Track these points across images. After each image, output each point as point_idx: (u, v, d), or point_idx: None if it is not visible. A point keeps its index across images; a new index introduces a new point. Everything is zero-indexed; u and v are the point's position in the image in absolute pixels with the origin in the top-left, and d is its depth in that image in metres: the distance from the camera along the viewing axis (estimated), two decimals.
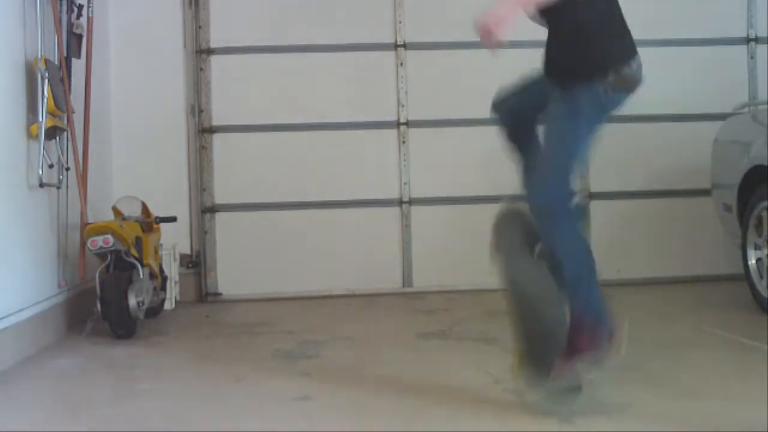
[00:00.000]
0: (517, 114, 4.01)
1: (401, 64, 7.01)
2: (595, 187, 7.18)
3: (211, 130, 6.95)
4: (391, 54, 7.01)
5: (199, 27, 6.93)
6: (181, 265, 6.78)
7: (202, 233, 6.93)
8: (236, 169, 6.96)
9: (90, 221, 5.47)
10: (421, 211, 7.04)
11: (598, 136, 3.84)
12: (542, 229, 3.70)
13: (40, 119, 4.99)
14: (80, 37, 5.68)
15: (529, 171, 3.92)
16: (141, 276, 5.36)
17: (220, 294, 6.93)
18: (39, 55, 5.06)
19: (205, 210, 6.94)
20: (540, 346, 3.50)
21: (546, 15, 3.86)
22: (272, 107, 6.99)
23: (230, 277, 6.94)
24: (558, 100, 3.72)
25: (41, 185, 5.06)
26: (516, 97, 4.11)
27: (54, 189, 5.31)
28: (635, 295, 6.56)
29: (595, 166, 7.17)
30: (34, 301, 4.95)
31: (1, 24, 4.72)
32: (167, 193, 6.71)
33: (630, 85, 3.81)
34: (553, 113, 3.75)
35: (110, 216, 5.86)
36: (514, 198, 4.03)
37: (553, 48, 3.88)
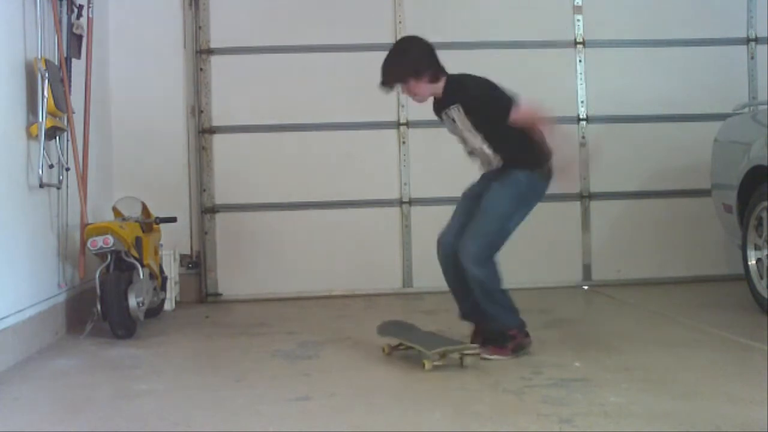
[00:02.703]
0: (450, 252, 4.63)
1: None
2: (595, 187, 7.19)
3: (211, 131, 6.95)
4: None
5: (199, 27, 6.94)
6: (181, 265, 6.79)
7: (202, 234, 6.94)
8: (236, 170, 6.97)
9: (90, 221, 5.48)
10: (421, 211, 7.05)
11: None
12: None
13: (40, 119, 4.99)
14: (80, 37, 5.68)
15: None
16: (141, 276, 5.36)
17: (220, 294, 6.94)
18: (39, 56, 5.07)
19: (205, 210, 6.94)
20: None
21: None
22: (272, 107, 6.99)
23: (230, 277, 6.94)
24: (496, 180, 4.55)
25: (41, 185, 5.06)
26: (449, 229, 4.76)
27: (54, 189, 5.31)
28: (635, 295, 6.56)
29: (595, 166, 7.19)
30: (34, 301, 4.95)
31: (1, 24, 4.72)
32: (167, 193, 6.71)
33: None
34: (490, 189, 4.55)
35: (110, 216, 5.87)
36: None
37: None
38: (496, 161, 4.60)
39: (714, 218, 6.33)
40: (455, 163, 7.02)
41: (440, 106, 4.66)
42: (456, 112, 4.57)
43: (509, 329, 4.52)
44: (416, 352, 4.44)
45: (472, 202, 4.67)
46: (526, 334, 4.58)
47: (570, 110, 7.17)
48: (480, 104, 4.52)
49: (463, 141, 4.68)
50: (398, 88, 4.65)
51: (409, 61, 4.54)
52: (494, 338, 4.53)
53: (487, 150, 4.59)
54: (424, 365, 4.30)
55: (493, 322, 4.56)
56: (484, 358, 4.41)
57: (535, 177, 4.53)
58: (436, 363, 4.30)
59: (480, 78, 4.63)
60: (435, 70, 4.55)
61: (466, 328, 4.79)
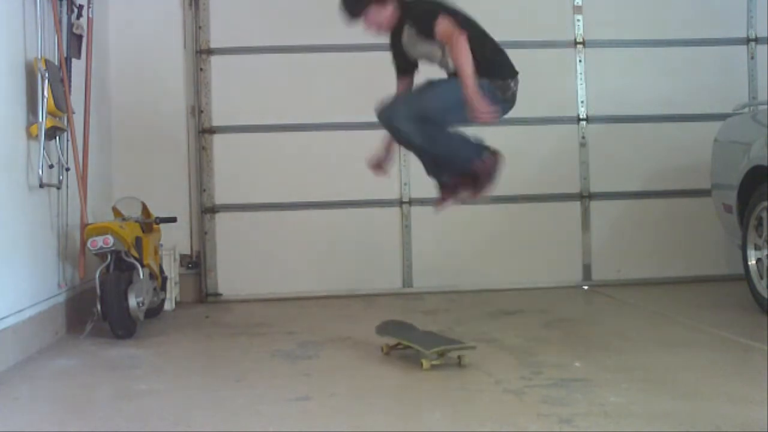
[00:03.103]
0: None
1: None
2: (595, 187, 7.19)
3: (211, 131, 6.95)
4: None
5: (199, 27, 6.93)
6: (181, 265, 6.79)
7: (202, 234, 6.94)
8: (236, 170, 6.96)
9: (90, 221, 5.48)
10: (421, 211, 7.04)
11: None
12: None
13: (40, 120, 4.99)
14: (80, 37, 5.68)
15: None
16: (141, 276, 5.36)
17: (220, 294, 6.94)
18: (39, 56, 5.06)
19: (205, 210, 6.94)
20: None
21: None
22: (272, 107, 6.99)
23: (230, 277, 6.94)
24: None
25: (41, 185, 5.06)
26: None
27: (54, 189, 5.31)
28: (635, 295, 6.56)
29: (595, 166, 7.20)
30: (34, 301, 4.95)
31: (1, 24, 4.72)
32: (167, 193, 6.71)
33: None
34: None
35: (110, 216, 5.86)
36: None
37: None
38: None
39: (714, 218, 6.34)
40: None
41: (397, 32, 4.69)
42: (410, 31, 4.62)
43: (470, 162, 4.61)
44: (414, 351, 4.45)
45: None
46: (493, 153, 4.64)
47: (570, 110, 7.17)
48: (424, 17, 4.56)
49: (428, 57, 4.71)
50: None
51: None
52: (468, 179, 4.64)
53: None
54: (422, 365, 4.31)
55: (453, 164, 4.64)
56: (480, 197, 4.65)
57: (494, 89, 4.59)
58: (434, 362, 4.30)
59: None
60: None
61: (465, 329, 4.78)
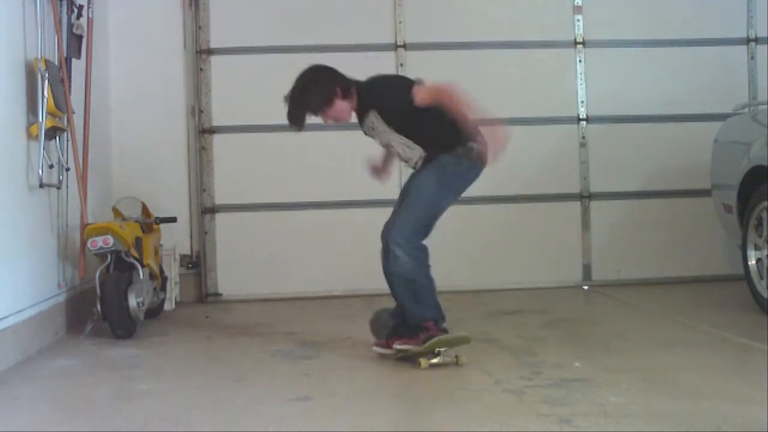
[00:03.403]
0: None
1: (401, 64, 7.01)
2: (595, 187, 7.19)
3: (211, 131, 6.95)
4: (391, 54, 7.02)
5: (199, 27, 6.94)
6: (181, 265, 6.79)
7: (202, 234, 6.94)
8: (236, 170, 6.96)
9: (90, 221, 5.48)
10: None
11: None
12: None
13: (40, 120, 4.99)
14: (80, 37, 5.68)
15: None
16: (141, 276, 5.36)
17: (220, 294, 6.94)
18: (39, 56, 5.06)
19: (205, 210, 6.94)
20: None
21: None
22: (272, 107, 6.88)
23: (230, 277, 6.94)
24: (423, 167, 4.54)
25: (41, 185, 5.06)
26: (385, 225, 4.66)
27: (54, 189, 5.31)
28: (635, 295, 6.56)
29: (595, 166, 7.20)
30: (34, 301, 4.95)
31: (1, 24, 4.72)
32: (167, 193, 6.71)
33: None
34: (417, 176, 4.55)
35: (110, 216, 5.86)
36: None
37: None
38: (417, 156, 4.53)
39: (714, 218, 6.33)
40: None
41: (360, 117, 4.64)
42: (374, 118, 4.54)
43: (424, 320, 4.41)
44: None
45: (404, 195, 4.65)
46: (445, 331, 4.44)
47: (570, 110, 7.17)
48: (388, 102, 4.48)
49: (387, 144, 4.64)
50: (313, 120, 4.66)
51: (313, 93, 4.51)
52: (410, 330, 4.46)
53: (408, 146, 4.52)
54: (420, 364, 4.31)
55: (409, 314, 4.45)
56: (397, 349, 4.40)
57: (460, 158, 4.43)
58: (432, 361, 4.31)
59: (383, 77, 4.68)
60: (343, 87, 4.50)
61: (470, 329, 4.77)
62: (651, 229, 7.22)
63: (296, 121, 4.57)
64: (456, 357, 4.38)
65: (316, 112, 4.56)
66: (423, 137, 4.52)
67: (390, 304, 4.66)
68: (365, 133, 4.70)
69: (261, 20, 6.99)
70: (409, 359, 4.44)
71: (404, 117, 4.49)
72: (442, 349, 4.37)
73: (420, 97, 4.37)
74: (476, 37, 7.11)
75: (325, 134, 6.98)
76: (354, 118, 4.68)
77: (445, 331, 4.44)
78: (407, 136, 4.54)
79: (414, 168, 4.63)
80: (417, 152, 4.56)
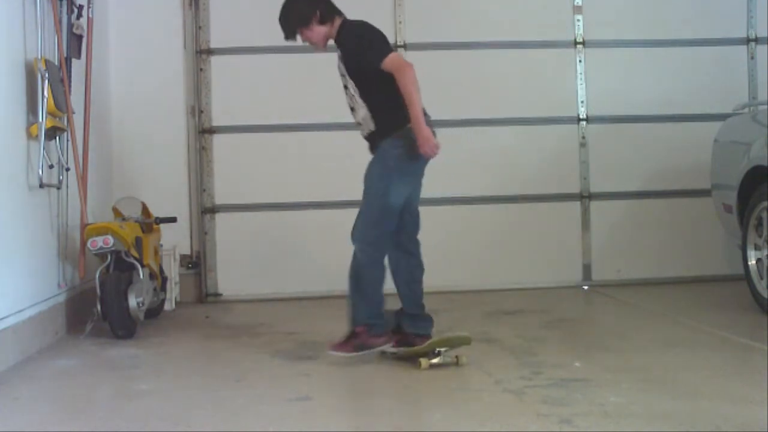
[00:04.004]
0: None
1: None
2: (595, 187, 7.19)
3: (211, 131, 6.95)
4: None
5: (199, 27, 6.93)
6: (181, 265, 6.79)
7: (202, 234, 6.93)
8: (236, 170, 6.96)
9: (90, 221, 5.48)
10: (420, 212, 7.03)
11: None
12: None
13: (40, 120, 4.99)
14: (80, 37, 5.68)
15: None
16: (141, 276, 5.36)
17: (220, 294, 6.93)
18: (39, 56, 5.06)
19: (205, 210, 6.94)
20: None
21: None
22: (272, 107, 6.98)
23: (230, 277, 6.94)
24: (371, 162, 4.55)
25: (41, 185, 5.06)
26: None
27: (54, 189, 5.31)
28: (635, 295, 6.56)
29: (595, 166, 7.20)
30: (34, 301, 4.95)
31: (1, 24, 4.72)
32: (167, 193, 6.71)
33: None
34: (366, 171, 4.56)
35: (110, 216, 5.86)
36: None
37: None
38: (362, 118, 4.51)
39: (714, 218, 6.33)
40: (455, 163, 7.07)
41: (339, 50, 4.60)
42: (340, 62, 4.56)
43: (357, 325, 4.43)
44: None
45: None
46: (380, 335, 4.44)
47: (570, 110, 7.17)
48: (356, 50, 4.44)
49: (345, 86, 4.57)
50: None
51: (294, 10, 4.54)
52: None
53: (358, 103, 4.48)
54: (420, 364, 4.32)
55: (352, 310, 4.47)
56: (331, 354, 4.43)
57: (397, 143, 4.39)
58: (433, 361, 4.32)
59: (371, 29, 4.54)
60: (323, 12, 4.50)
61: (470, 329, 4.77)
62: (651, 229, 7.22)
63: (286, 35, 4.61)
64: (456, 357, 4.38)
65: (294, 31, 4.55)
66: (373, 102, 4.44)
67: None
68: (339, 71, 4.63)
69: (261, 20, 6.93)
70: (409, 359, 4.44)
71: (363, 73, 4.43)
72: (442, 349, 4.37)
73: (388, 59, 4.31)
74: (476, 37, 7.10)
75: (325, 134, 7.00)
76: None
77: (381, 336, 4.43)
78: (360, 94, 4.48)
79: (362, 134, 4.59)
80: (362, 113, 4.50)
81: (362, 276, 4.46)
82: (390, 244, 4.53)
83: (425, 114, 4.38)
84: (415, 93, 4.29)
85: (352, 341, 4.43)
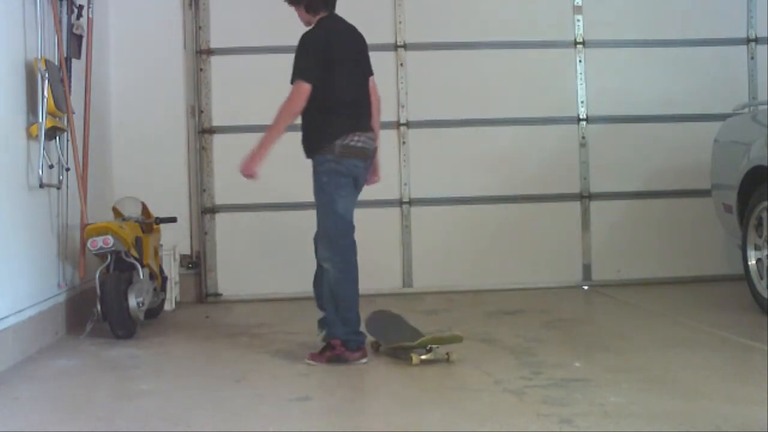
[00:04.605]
0: None
1: (401, 64, 7.02)
2: (595, 187, 7.19)
3: (211, 131, 6.95)
4: (391, 54, 7.02)
5: (199, 27, 6.93)
6: (181, 265, 6.79)
7: (202, 234, 6.93)
8: (236, 170, 6.93)
9: (90, 221, 5.48)
10: (421, 212, 7.05)
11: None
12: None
13: (40, 120, 4.99)
14: (80, 37, 5.68)
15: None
16: (141, 276, 5.36)
17: (220, 294, 6.93)
18: (39, 56, 5.07)
19: (205, 211, 6.94)
20: None
21: None
22: (272, 108, 6.90)
23: (230, 277, 6.94)
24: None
25: (41, 186, 5.06)
26: None
27: (54, 189, 5.31)
28: (635, 295, 6.56)
29: (595, 166, 7.20)
30: (34, 301, 4.95)
31: (1, 24, 4.72)
32: (167, 193, 6.71)
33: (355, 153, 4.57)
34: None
35: (110, 216, 5.86)
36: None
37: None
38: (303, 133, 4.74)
39: (714, 218, 6.33)
40: (455, 163, 7.09)
41: None
42: None
43: (332, 338, 4.51)
44: (406, 348, 4.49)
45: None
46: (356, 350, 4.49)
47: (570, 110, 7.17)
48: (296, 51, 4.72)
49: None
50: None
51: None
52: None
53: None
54: (411, 359, 4.36)
55: (329, 325, 4.56)
56: (307, 363, 4.50)
57: (326, 158, 4.59)
58: (423, 357, 4.38)
59: (318, 29, 4.71)
60: (311, 4, 4.71)
61: (470, 329, 4.78)
62: (651, 229, 7.22)
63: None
64: (447, 354, 4.44)
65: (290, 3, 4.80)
66: (305, 115, 4.69)
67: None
68: None
69: (261, 20, 6.99)
70: (400, 356, 4.46)
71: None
72: (434, 346, 4.42)
73: (296, 83, 4.63)
74: (476, 37, 7.10)
75: None
76: None
77: (357, 350, 4.49)
78: None
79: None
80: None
81: (338, 293, 4.55)
82: (354, 254, 4.67)
83: (366, 143, 4.59)
84: (283, 119, 4.61)
85: (327, 353, 4.50)
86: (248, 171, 4.67)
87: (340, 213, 4.60)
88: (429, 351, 4.41)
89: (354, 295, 4.60)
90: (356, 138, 4.54)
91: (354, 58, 4.69)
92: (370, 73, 4.80)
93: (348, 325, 4.53)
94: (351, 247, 4.64)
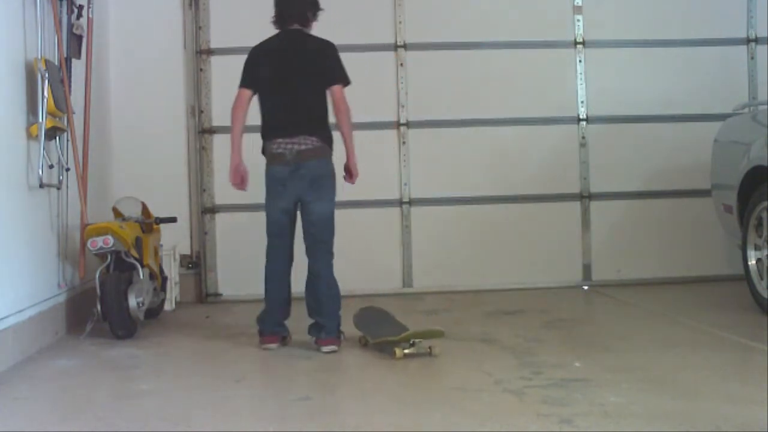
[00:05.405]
0: None
1: (401, 64, 7.02)
2: (595, 187, 7.19)
3: (211, 131, 6.95)
4: (391, 54, 7.02)
5: (199, 27, 6.94)
6: (181, 265, 6.79)
7: (202, 234, 6.93)
8: None
9: (90, 221, 5.47)
10: (421, 212, 7.05)
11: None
12: None
13: (40, 120, 4.98)
14: (80, 37, 5.68)
15: None
16: (141, 277, 5.36)
17: (220, 294, 6.94)
18: (39, 56, 5.06)
19: (205, 211, 6.94)
20: None
21: None
22: None
23: (230, 277, 6.94)
24: None
25: (41, 186, 5.06)
26: None
27: (54, 189, 5.31)
28: (635, 295, 6.57)
29: (595, 166, 7.20)
30: (34, 301, 4.95)
31: (1, 24, 4.72)
32: (167, 193, 6.71)
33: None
34: None
35: (110, 216, 5.86)
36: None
37: None
38: None
39: (714, 218, 6.33)
40: (455, 163, 7.09)
41: None
42: None
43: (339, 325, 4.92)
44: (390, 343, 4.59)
45: None
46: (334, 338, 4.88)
47: (570, 110, 7.17)
48: None
49: None
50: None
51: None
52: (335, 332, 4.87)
53: None
54: (395, 353, 4.47)
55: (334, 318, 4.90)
56: (329, 351, 4.75)
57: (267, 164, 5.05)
58: (406, 351, 4.50)
59: (270, 38, 5.25)
60: (312, 17, 5.32)
61: (470, 329, 4.78)
62: (651, 229, 7.22)
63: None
64: (430, 348, 4.56)
65: (304, 13, 5.31)
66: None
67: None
68: None
69: (261, 20, 6.94)
70: (384, 349, 4.46)
71: None
72: (417, 340, 4.54)
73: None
74: (476, 37, 7.11)
75: None
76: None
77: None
78: None
79: None
80: None
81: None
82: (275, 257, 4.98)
83: (280, 149, 4.95)
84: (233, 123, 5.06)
85: (342, 336, 4.92)
86: (231, 177, 5.10)
87: (266, 213, 5.00)
88: (412, 345, 4.54)
89: (270, 293, 4.98)
90: (275, 145, 4.97)
91: (285, 70, 5.03)
92: (331, 82, 5.09)
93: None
94: (271, 251, 4.98)
